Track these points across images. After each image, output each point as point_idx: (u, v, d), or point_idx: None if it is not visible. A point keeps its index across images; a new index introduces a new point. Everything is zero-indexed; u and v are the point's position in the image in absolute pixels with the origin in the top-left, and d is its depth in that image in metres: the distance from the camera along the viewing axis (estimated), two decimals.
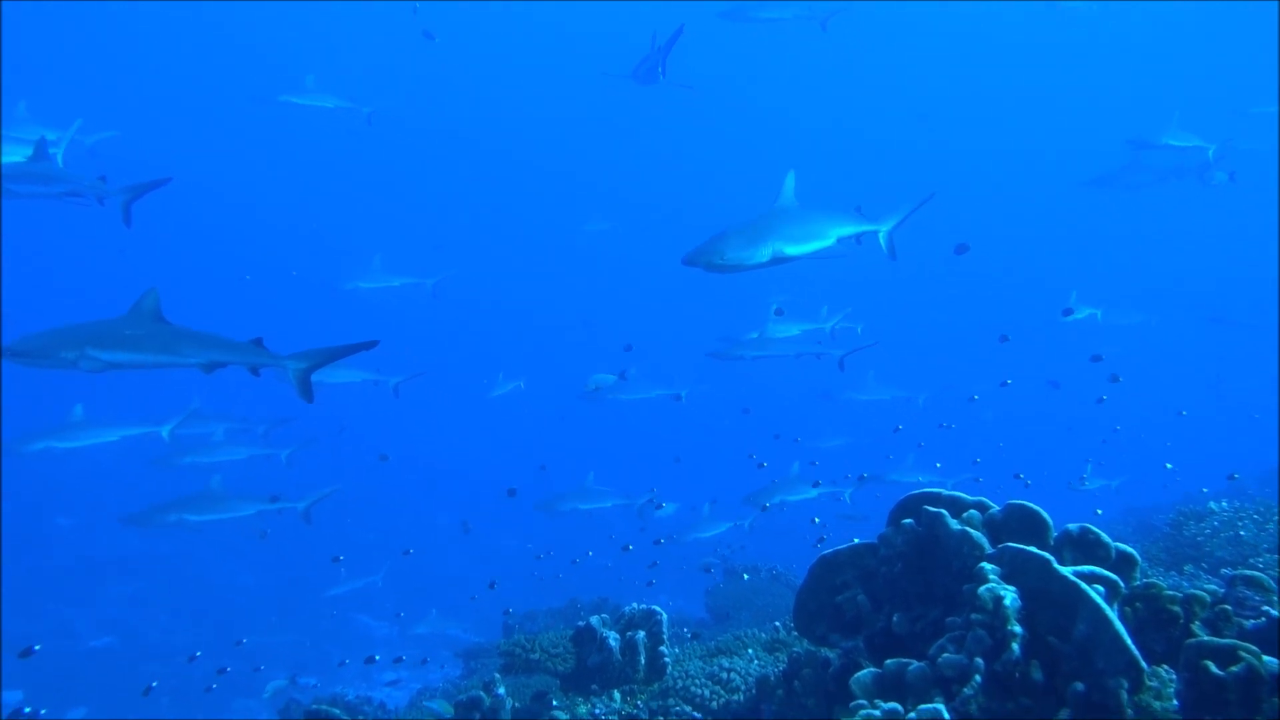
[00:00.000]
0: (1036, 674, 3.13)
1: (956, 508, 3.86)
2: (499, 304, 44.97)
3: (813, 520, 10.66)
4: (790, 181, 7.76)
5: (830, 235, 7.71)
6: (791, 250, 7.27)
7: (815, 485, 12.87)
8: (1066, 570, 3.19)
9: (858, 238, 8.13)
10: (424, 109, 48.29)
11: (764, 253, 7.13)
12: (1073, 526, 3.47)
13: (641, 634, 5.17)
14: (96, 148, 15.74)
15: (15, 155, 12.54)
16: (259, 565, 21.26)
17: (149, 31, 43.78)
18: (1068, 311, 16.12)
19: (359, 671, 16.22)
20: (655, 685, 5.05)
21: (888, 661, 3.53)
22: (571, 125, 50.29)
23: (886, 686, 3.47)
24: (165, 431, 12.98)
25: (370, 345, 6.85)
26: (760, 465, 12.53)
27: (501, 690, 4.85)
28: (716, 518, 14.50)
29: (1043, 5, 39.52)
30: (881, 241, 8.35)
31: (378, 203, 49.73)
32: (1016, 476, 11.92)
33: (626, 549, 10.06)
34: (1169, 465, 12.37)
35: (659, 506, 13.73)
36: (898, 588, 4.00)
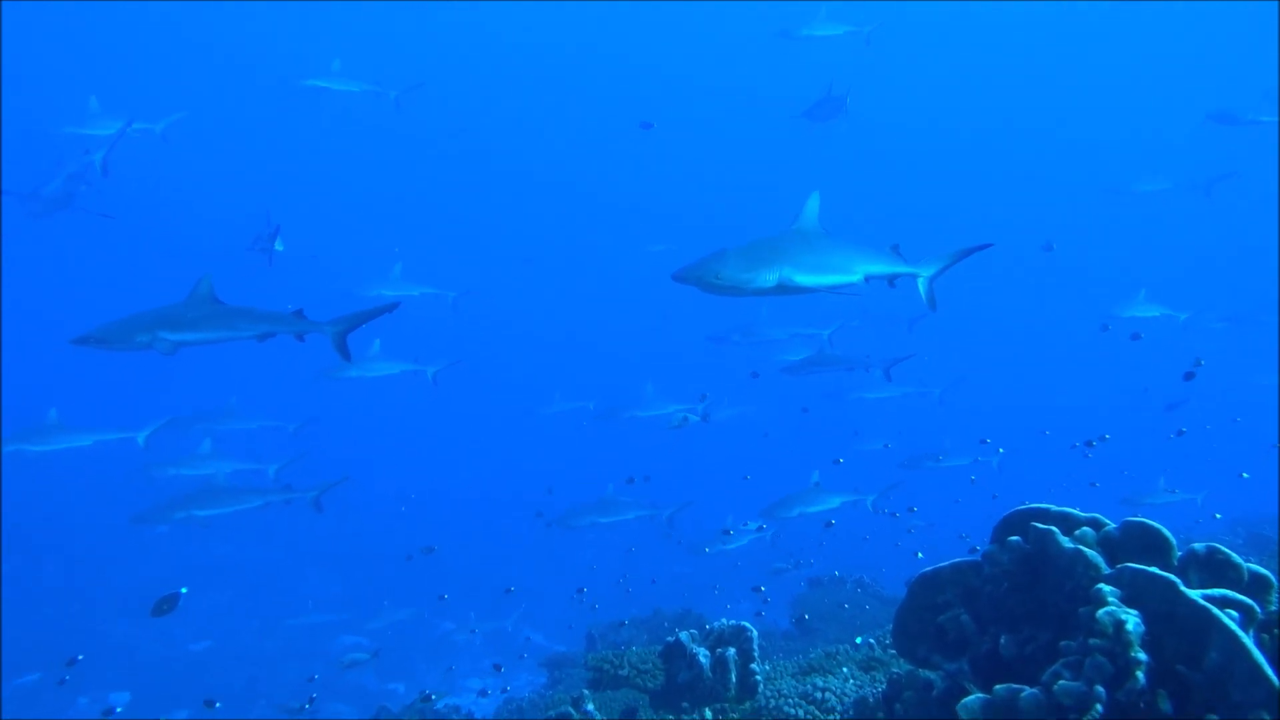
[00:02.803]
0: (1164, 705, 2.94)
1: (1068, 524, 3.67)
2: (557, 323, 45.22)
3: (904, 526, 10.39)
4: (813, 203, 6.89)
5: (855, 270, 6.87)
6: (803, 279, 6.44)
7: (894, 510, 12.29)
8: (1195, 594, 2.99)
9: (891, 280, 7.24)
10: (477, 124, 48.80)
11: (769, 277, 6.32)
12: (1199, 546, 3.25)
13: (732, 651, 5.07)
14: (137, 136, 16.43)
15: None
16: (348, 572, 21.79)
17: (157, 32, 44.38)
18: (1104, 326, 15.49)
19: (445, 678, 16.45)
20: (747, 704, 4.95)
21: (997, 687, 3.37)
22: (633, 144, 50.51)
23: (997, 713, 3.31)
24: (141, 438, 12.75)
25: (393, 308, 7.80)
26: (837, 462, 12.30)
27: (590, 707, 4.81)
28: (739, 531, 13.82)
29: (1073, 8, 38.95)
30: (921, 289, 7.37)
31: (417, 214, 50.11)
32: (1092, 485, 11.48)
33: (759, 590, 9.86)
34: (1245, 475, 11.67)
35: (761, 528, 13.19)
36: (1004, 608, 3.82)
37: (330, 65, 20.23)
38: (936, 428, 18.65)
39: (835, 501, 12.64)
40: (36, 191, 16.48)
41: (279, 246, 15.52)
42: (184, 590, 7.70)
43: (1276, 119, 17.07)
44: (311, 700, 11.09)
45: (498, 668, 12.92)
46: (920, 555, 10.92)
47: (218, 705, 9.45)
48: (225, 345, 7.58)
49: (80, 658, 10.22)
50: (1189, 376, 10.90)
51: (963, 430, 17.10)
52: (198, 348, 7.39)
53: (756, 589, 11.09)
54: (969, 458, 16.77)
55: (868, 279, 6.92)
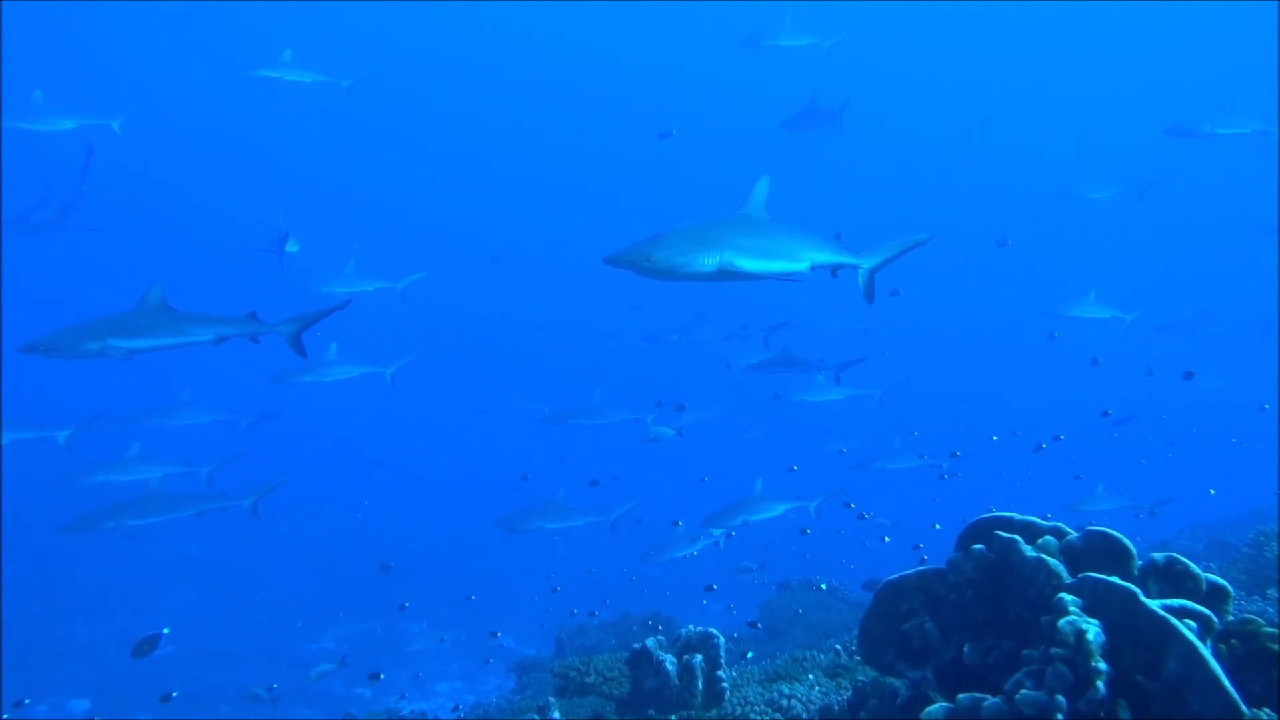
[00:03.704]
0: (1124, 714, 2.95)
1: (1030, 533, 3.69)
2: (528, 320, 44.95)
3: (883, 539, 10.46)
4: (761, 188, 6.60)
5: (801, 258, 6.57)
6: (745, 264, 6.11)
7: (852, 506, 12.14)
8: (1154, 604, 3.01)
9: (834, 270, 6.93)
10: (431, 115, 48.18)
11: (708, 261, 5.99)
12: (1158, 556, 3.28)
13: (699, 658, 5.05)
14: (92, 133, 16.53)
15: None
16: (316, 573, 21.55)
17: (122, 26, 43.18)
18: (1095, 361, 15.54)
19: (412, 681, 16.32)
20: (713, 711, 4.93)
21: (960, 696, 3.37)
22: (613, 143, 50.29)
23: None
24: (62, 437, 12.34)
25: (343, 306, 8.02)
26: (792, 469, 12.23)
27: (556, 715, 4.77)
28: (692, 534, 13.41)
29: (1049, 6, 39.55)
30: (860, 280, 7.11)
31: (384, 210, 49.40)
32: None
33: (710, 589, 9.86)
34: (1212, 491, 11.77)
35: (730, 534, 13.03)
36: (967, 616, 3.84)
37: (281, 55, 19.67)
38: (899, 429, 18.76)
39: (779, 509, 12.51)
40: (25, 216, 16.68)
41: (292, 248, 16.10)
42: (166, 630, 7.69)
43: (1233, 131, 17.30)
44: (275, 699, 10.96)
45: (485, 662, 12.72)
46: (887, 539, 10.94)
47: (175, 695, 9.33)
48: (180, 350, 7.67)
49: (27, 701, 9.97)
50: (1188, 376, 10.98)
51: (925, 433, 17.26)
52: (152, 354, 7.47)
53: (709, 588, 11.06)
54: (921, 460, 16.96)
55: (813, 268, 6.69)
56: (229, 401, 16.43)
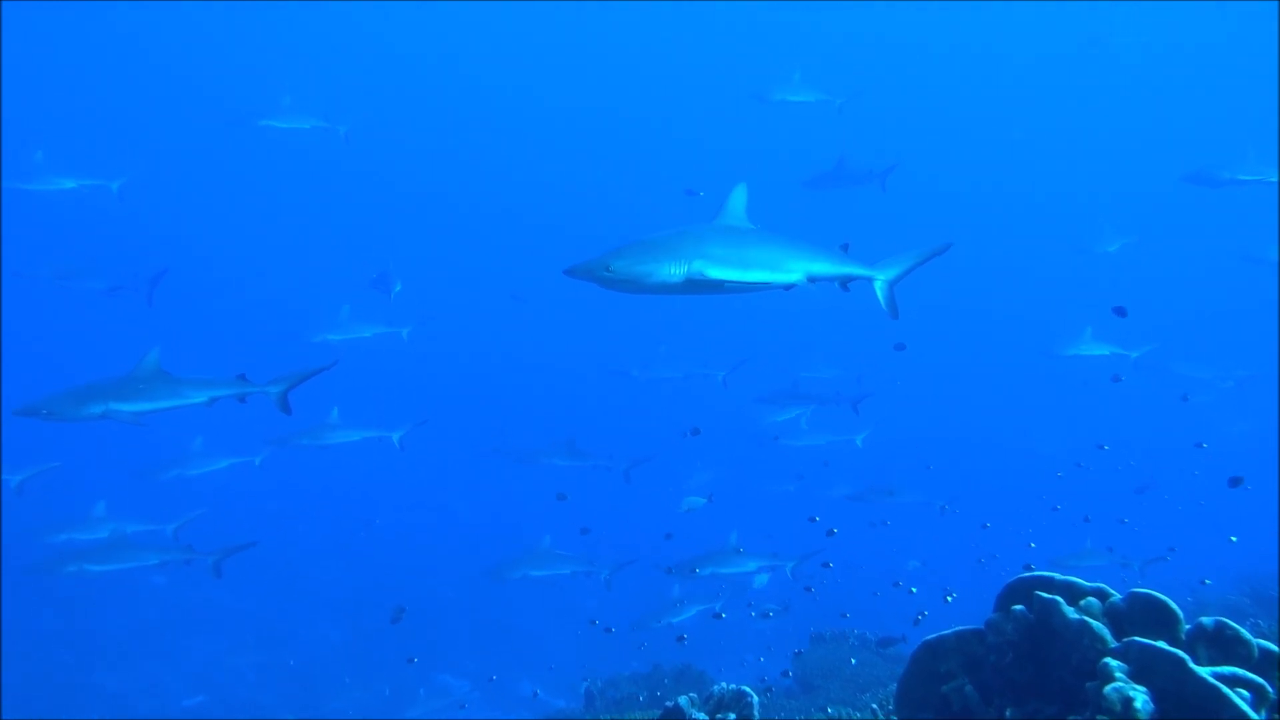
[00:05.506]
0: None
1: (1072, 594, 3.60)
2: (537, 354, 44.77)
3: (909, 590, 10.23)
4: (739, 196, 6.13)
5: (792, 269, 6.07)
6: (719, 274, 5.63)
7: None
8: (1204, 671, 2.92)
9: (844, 283, 6.42)
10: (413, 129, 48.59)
11: (674, 271, 5.56)
12: (1207, 621, 3.19)
13: (732, 716, 4.95)
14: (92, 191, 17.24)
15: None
16: (346, 621, 21.45)
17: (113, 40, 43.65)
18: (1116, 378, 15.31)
19: None
20: None
21: None
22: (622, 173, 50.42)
23: None
24: (15, 483, 12.52)
25: (330, 366, 8.31)
26: (831, 533, 11.63)
27: None
28: (687, 600, 13.30)
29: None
30: (879, 293, 6.55)
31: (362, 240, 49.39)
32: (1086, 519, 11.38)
33: (719, 616, 9.71)
34: (1234, 539, 11.31)
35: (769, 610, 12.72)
36: (1008, 679, 3.74)
37: (280, 101, 20.22)
38: (897, 469, 18.48)
39: (751, 565, 12.24)
40: (63, 277, 17.45)
41: (398, 287, 17.65)
42: None
43: (1255, 178, 17.05)
44: None
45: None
46: (951, 598, 10.45)
47: None
48: (175, 412, 8.06)
49: None
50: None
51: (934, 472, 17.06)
52: (150, 416, 7.85)
53: (717, 615, 10.80)
54: (921, 496, 16.78)
55: (812, 279, 6.14)
56: (237, 446, 16.46)
